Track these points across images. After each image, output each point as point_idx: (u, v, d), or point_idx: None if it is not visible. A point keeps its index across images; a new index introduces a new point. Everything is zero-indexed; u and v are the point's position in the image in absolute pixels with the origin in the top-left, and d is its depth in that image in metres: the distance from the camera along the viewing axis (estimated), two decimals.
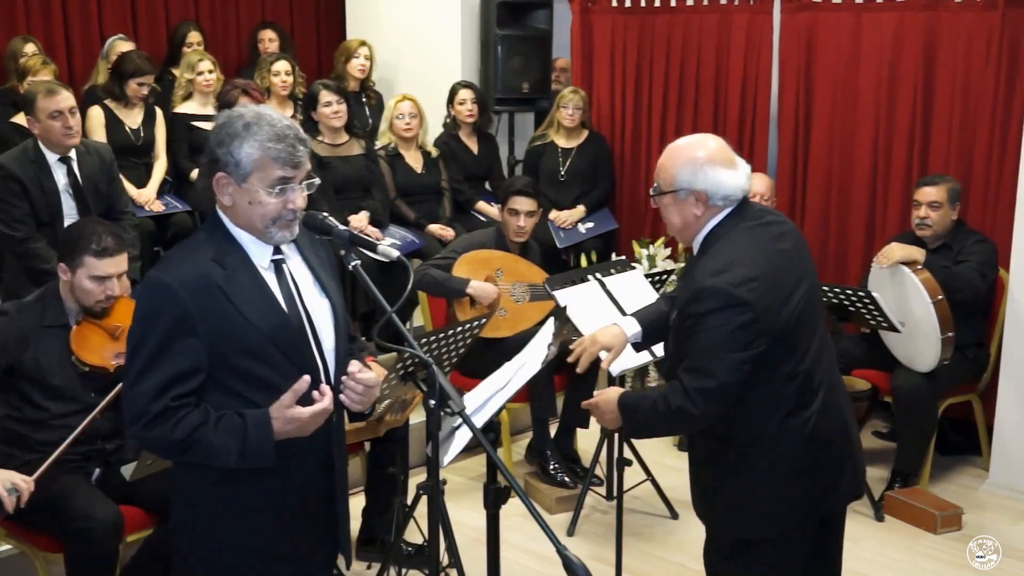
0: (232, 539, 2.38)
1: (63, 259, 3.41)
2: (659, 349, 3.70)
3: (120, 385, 3.22)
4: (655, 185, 2.72)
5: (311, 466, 2.43)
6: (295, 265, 2.43)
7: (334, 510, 2.51)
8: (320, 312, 2.43)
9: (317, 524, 2.48)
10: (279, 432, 2.27)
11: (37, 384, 3.35)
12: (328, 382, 2.41)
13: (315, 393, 2.32)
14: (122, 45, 5.99)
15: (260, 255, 2.36)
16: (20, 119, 5.11)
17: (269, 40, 6.77)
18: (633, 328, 2.95)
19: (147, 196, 5.48)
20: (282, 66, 6.07)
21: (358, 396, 2.41)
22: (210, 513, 2.38)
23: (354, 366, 2.41)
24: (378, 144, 5.75)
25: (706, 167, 2.62)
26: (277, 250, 2.38)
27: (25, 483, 3.16)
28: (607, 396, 2.79)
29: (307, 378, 2.28)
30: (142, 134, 5.58)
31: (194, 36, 6.46)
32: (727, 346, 2.51)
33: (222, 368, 2.29)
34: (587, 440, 4.89)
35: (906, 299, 4.44)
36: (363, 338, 4.60)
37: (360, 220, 5.34)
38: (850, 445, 2.76)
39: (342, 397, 2.43)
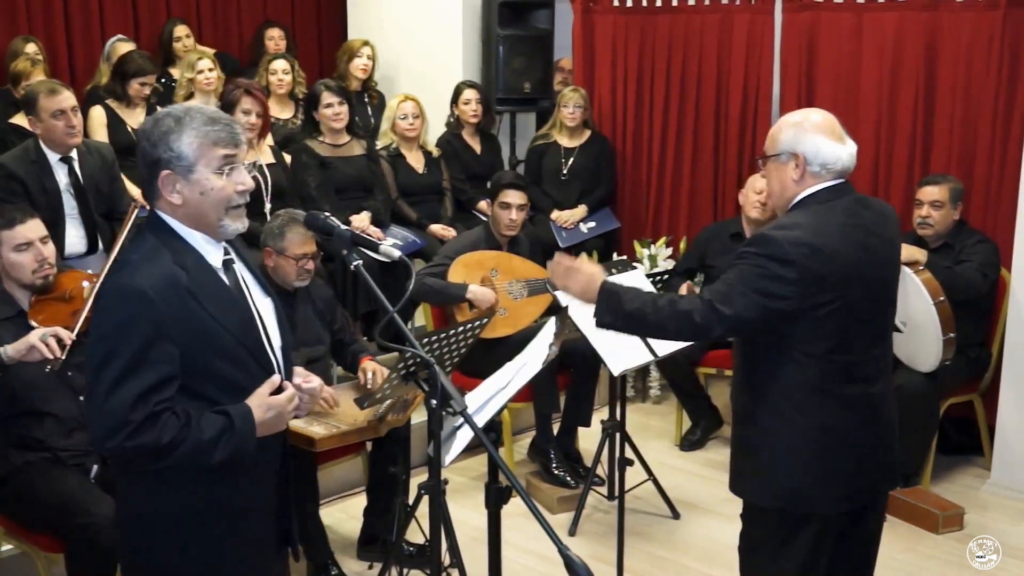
0: (198, 544, 2.35)
1: None
2: (660, 349, 3.72)
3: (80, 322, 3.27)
4: (764, 150, 2.81)
5: (273, 464, 2.46)
6: (239, 265, 2.44)
7: (286, 503, 2.53)
8: (266, 310, 2.45)
9: (270, 519, 2.49)
10: (260, 422, 2.29)
11: (13, 375, 3.33)
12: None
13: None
14: (123, 46, 5.99)
15: (213, 256, 2.35)
16: (19, 119, 5.12)
17: (279, 38, 6.79)
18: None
19: None
20: (279, 65, 6.08)
21: (304, 403, 2.49)
22: (179, 521, 2.33)
23: (299, 377, 2.49)
24: (379, 144, 5.75)
25: (808, 132, 2.70)
26: (226, 251, 2.39)
27: (66, 334, 3.19)
28: (589, 268, 2.77)
29: (277, 377, 2.34)
30: None
31: (181, 30, 6.48)
32: (755, 286, 2.57)
33: (192, 372, 2.26)
34: (589, 439, 4.89)
35: (908, 299, 4.44)
36: (364, 338, 4.62)
37: (362, 220, 5.33)
38: (873, 458, 2.76)
39: None
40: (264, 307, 2.45)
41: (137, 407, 2.17)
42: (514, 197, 4.82)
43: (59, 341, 3.17)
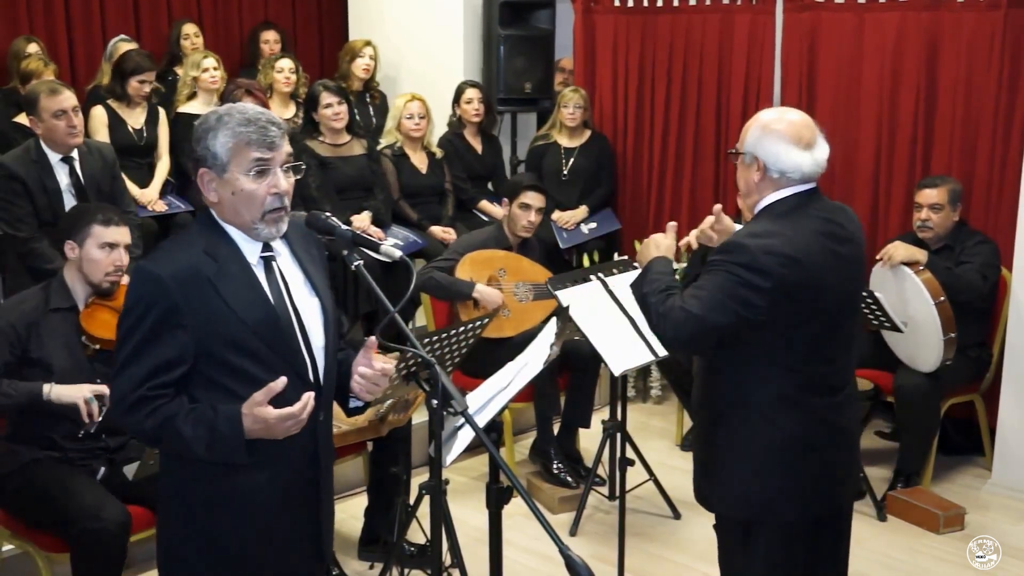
0: (215, 533, 2.37)
1: (69, 237, 3.47)
2: (661, 349, 3.72)
3: None
4: (736, 145, 2.78)
5: (296, 465, 2.41)
6: (285, 262, 2.43)
7: (317, 510, 2.48)
8: (310, 310, 2.42)
9: (299, 523, 2.46)
10: (249, 430, 2.25)
11: (41, 369, 3.35)
12: (316, 380, 2.40)
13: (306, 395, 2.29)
14: (125, 46, 5.99)
15: (250, 251, 2.37)
16: (23, 119, 5.12)
17: (273, 41, 6.80)
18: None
19: (150, 196, 5.49)
20: (286, 63, 6.10)
21: (373, 386, 2.43)
22: (195, 506, 2.38)
23: (365, 357, 2.42)
24: (383, 143, 5.75)
25: (771, 137, 2.64)
26: (267, 247, 2.38)
27: (108, 390, 3.22)
28: (662, 241, 2.86)
29: (283, 379, 2.25)
30: (145, 134, 5.58)
31: (189, 28, 6.49)
32: (729, 293, 2.55)
33: (208, 361, 2.29)
34: (589, 440, 4.89)
35: (908, 300, 4.44)
36: (367, 338, 4.61)
37: (363, 220, 5.34)
38: (837, 467, 2.77)
39: (353, 385, 2.44)
40: (308, 306, 2.42)
41: (136, 388, 2.27)
42: (535, 199, 4.83)
43: (101, 403, 3.24)
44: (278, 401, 2.24)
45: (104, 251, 3.44)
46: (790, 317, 2.57)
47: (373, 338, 2.39)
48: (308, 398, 2.27)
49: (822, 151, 2.67)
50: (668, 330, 2.63)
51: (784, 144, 2.63)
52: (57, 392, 3.27)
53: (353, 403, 2.54)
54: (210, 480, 2.34)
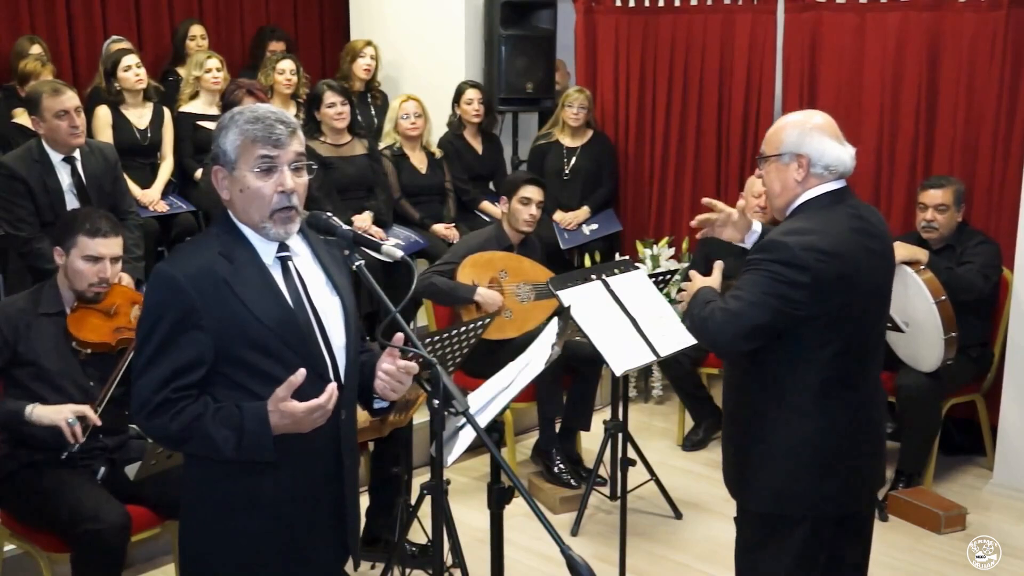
0: (239, 534, 2.37)
1: (59, 242, 3.45)
2: (662, 348, 3.72)
3: (129, 355, 3.26)
4: (761, 151, 2.81)
5: (320, 463, 2.41)
6: (304, 262, 2.43)
7: (343, 509, 2.49)
8: (330, 310, 2.42)
9: (325, 523, 2.46)
10: (276, 426, 2.25)
11: (34, 370, 3.35)
12: (337, 379, 2.40)
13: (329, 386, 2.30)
14: (118, 47, 5.99)
15: (266, 251, 2.37)
16: (23, 119, 5.12)
17: (281, 51, 6.80)
18: (757, 227, 3.04)
19: (152, 196, 5.49)
20: (287, 65, 6.10)
21: (400, 385, 2.43)
22: (218, 507, 2.38)
23: (390, 358, 2.42)
24: (382, 144, 5.75)
25: (813, 133, 2.71)
26: (282, 247, 2.38)
27: (91, 411, 3.24)
28: (698, 281, 2.90)
29: (303, 371, 2.25)
30: (149, 135, 5.58)
31: (196, 29, 6.49)
32: (769, 291, 2.59)
33: (228, 362, 2.29)
34: (591, 441, 4.89)
35: (910, 299, 4.44)
36: (368, 338, 4.61)
37: (364, 220, 5.34)
38: (866, 462, 2.79)
39: (377, 383, 2.44)
40: (329, 306, 2.41)
41: (158, 391, 2.26)
42: (534, 193, 4.82)
43: (83, 424, 3.22)
44: (299, 398, 2.25)
45: (88, 263, 3.40)
46: (827, 312, 2.61)
47: (399, 335, 2.38)
48: (332, 388, 2.28)
49: (851, 148, 2.76)
50: (710, 333, 2.68)
51: (827, 139, 2.71)
52: (39, 414, 3.23)
53: (378, 403, 2.54)
54: (234, 479, 2.34)
